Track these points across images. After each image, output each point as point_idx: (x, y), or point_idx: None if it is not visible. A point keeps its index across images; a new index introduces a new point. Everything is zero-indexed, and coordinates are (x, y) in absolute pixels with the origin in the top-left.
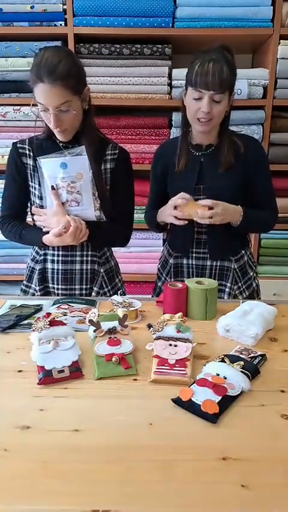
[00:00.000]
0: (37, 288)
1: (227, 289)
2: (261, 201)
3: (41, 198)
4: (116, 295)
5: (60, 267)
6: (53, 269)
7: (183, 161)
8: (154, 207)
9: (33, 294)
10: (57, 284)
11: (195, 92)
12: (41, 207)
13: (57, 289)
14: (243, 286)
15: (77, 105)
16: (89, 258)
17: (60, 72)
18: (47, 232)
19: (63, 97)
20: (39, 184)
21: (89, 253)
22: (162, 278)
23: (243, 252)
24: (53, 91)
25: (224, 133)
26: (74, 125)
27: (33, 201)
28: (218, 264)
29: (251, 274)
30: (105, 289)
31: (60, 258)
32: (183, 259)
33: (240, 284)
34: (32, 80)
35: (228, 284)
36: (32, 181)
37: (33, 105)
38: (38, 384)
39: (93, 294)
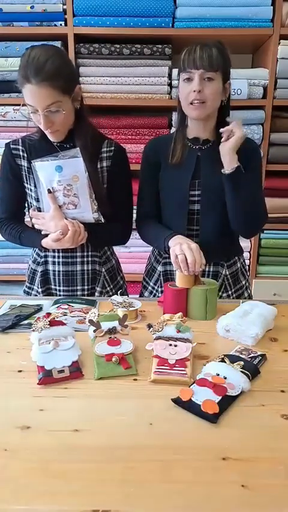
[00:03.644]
0: (39, 290)
1: None
2: None
3: (37, 199)
4: (116, 295)
5: (61, 269)
6: (54, 271)
7: (178, 154)
8: (151, 213)
9: (36, 296)
10: (59, 286)
11: (185, 74)
12: (38, 208)
13: (59, 290)
14: (234, 295)
15: (67, 105)
16: (90, 259)
17: (47, 71)
18: (46, 235)
19: (51, 97)
20: (35, 186)
21: (90, 253)
22: (149, 287)
23: (236, 258)
24: (41, 92)
25: (223, 126)
26: (66, 125)
27: (30, 203)
28: (211, 269)
29: (243, 283)
30: (108, 288)
31: (60, 260)
32: (173, 266)
33: (230, 292)
34: (19, 81)
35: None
36: (27, 183)
37: (23, 105)
38: (38, 384)
39: (96, 294)
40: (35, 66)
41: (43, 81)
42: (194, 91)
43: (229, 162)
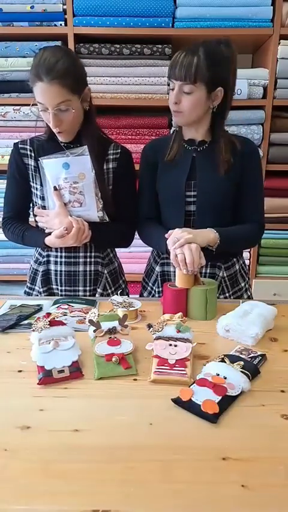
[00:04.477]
0: (41, 290)
1: None
2: (247, 211)
3: (42, 198)
4: (116, 295)
5: (63, 269)
6: (56, 271)
7: (173, 152)
8: (151, 214)
9: (37, 296)
10: (61, 286)
11: (171, 83)
12: (43, 207)
13: (61, 290)
14: (232, 297)
15: (76, 104)
16: (93, 260)
17: (58, 70)
18: (50, 234)
19: (61, 96)
20: (41, 185)
21: (92, 254)
22: (148, 288)
23: (234, 260)
24: (52, 90)
25: (216, 130)
26: (74, 125)
27: (35, 202)
28: (208, 271)
29: (243, 285)
30: (109, 291)
31: (63, 260)
32: (170, 267)
33: (227, 294)
34: (31, 80)
35: None
36: (33, 182)
37: (33, 104)
38: (38, 384)
39: (97, 295)
40: (46, 65)
41: (54, 80)
42: (170, 102)
43: (208, 243)
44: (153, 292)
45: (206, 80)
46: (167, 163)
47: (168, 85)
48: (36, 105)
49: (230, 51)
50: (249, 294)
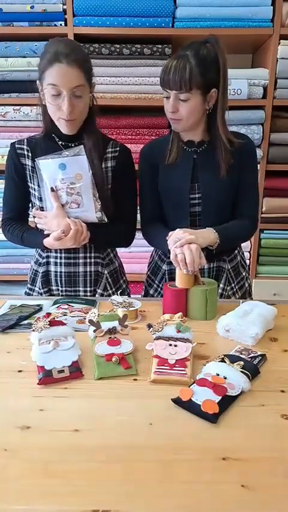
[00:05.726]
0: (41, 291)
1: (219, 290)
2: (244, 206)
3: (40, 199)
4: (115, 295)
5: (63, 270)
6: (56, 272)
7: (174, 154)
8: (154, 215)
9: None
10: (61, 286)
11: (163, 92)
12: (41, 208)
13: (61, 291)
14: (236, 287)
15: (87, 94)
16: (93, 260)
17: (77, 54)
18: (48, 235)
19: (79, 79)
20: (39, 185)
21: (92, 255)
22: (154, 285)
23: (236, 251)
24: (71, 71)
25: (213, 130)
26: (82, 116)
27: (34, 202)
28: (214, 265)
29: (244, 274)
30: (110, 291)
31: (63, 261)
32: None
33: (233, 285)
34: (44, 64)
35: (221, 285)
36: (31, 183)
37: (34, 104)
38: (38, 384)
39: (97, 296)
40: (66, 49)
41: (74, 62)
42: (168, 111)
43: (209, 243)
44: (159, 289)
45: (201, 85)
46: (168, 166)
47: (165, 97)
48: (37, 105)
49: (218, 49)
50: (249, 282)
